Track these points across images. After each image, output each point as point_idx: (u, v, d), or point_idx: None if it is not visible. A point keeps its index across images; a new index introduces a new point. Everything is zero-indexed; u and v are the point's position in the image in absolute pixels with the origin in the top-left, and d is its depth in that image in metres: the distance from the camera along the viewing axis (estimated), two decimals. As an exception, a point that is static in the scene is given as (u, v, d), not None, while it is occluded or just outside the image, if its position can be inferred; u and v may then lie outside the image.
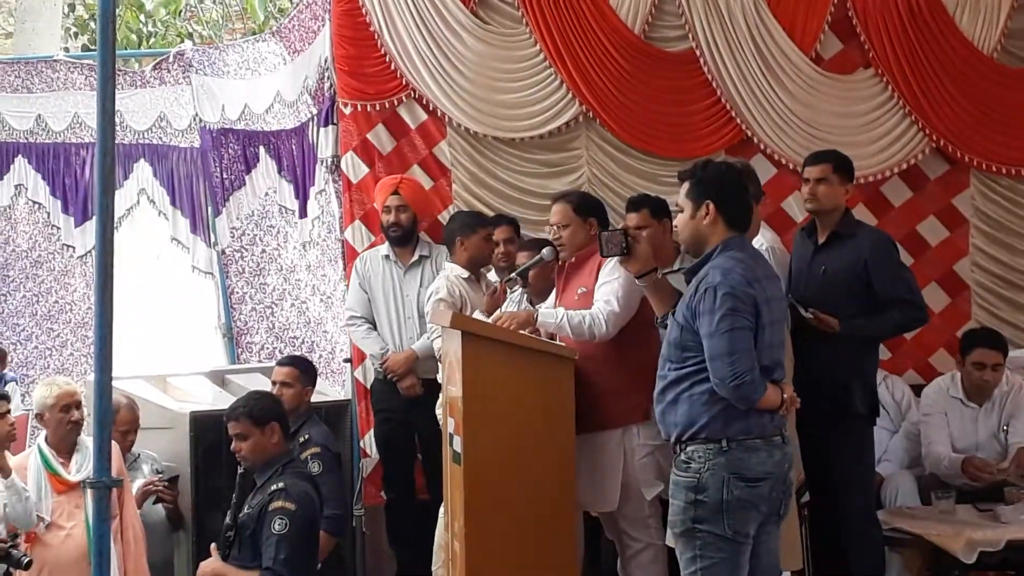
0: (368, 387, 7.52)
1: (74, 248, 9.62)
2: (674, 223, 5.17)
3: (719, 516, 4.85)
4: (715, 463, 4.86)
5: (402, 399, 7.22)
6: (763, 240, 6.24)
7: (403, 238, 7.32)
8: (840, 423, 6.21)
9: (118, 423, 6.72)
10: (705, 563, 4.88)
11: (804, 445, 6.17)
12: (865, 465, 6.35)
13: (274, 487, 5.64)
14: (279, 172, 8.62)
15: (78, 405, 6.39)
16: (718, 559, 4.87)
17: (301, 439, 6.87)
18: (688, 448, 4.93)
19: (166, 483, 7.11)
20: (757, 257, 5.15)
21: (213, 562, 5.69)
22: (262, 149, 8.75)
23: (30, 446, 6.96)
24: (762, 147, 7.79)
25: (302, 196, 8.31)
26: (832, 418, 6.15)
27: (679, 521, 4.93)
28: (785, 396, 4.98)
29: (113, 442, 6.24)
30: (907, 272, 6.50)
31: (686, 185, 5.05)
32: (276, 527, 5.52)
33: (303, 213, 8.31)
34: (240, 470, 5.89)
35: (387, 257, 7.35)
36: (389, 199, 7.28)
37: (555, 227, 6.22)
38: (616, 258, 5.49)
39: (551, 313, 5.93)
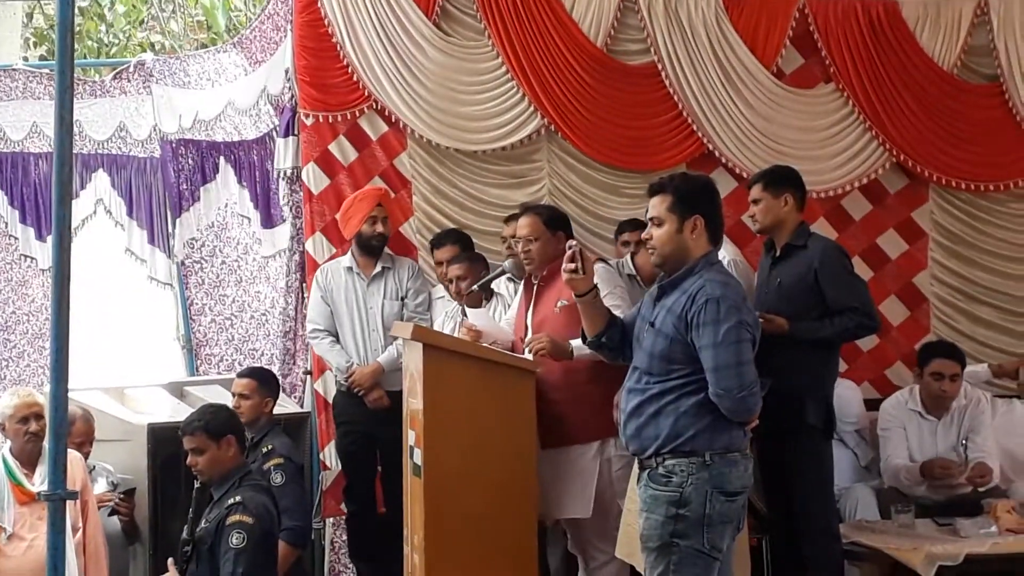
0: (328, 400, 7.48)
1: (35, 260, 9.53)
2: (645, 235, 5.10)
3: (699, 530, 4.84)
4: (698, 477, 4.84)
5: (364, 411, 7.17)
6: (725, 253, 6.25)
7: (381, 248, 7.30)
8: (796, 437, 6.18)
9: (73, 435, 6.66)
10: None
11: (761, 458, 6.19)
12: (823, 479, 6.31)
13: (231, 501, 5.61)
14: (240, 182, 8.57)
15: (38, 416, 6.33)
16: (692, 574, 4.86)
17: (264, 449, 6.84)
18: (668, 462, 4.89)
19: (121, 496, 7.05)
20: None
21: (171, 576, 5.65)
22: (222, 159, 8.71)
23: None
24: (724, 161, 7.81)
25: (264, 206, 8.26)
26: (788, 432, 6.13)
27: (655, 536, 4.89)
28: None
29: (77, 454, 6.26)
30: (858, 280, 6.44)
31: (667, 199, 5.00)
32: (234, 541, 5.48)
33: (267, 223, 8.26)
34: (196, 484, 5.85)
35: (350, 269, 7.31)
36: (376, 210, 7.24)
37: (523, 240, 6.20)
38: (600, 274, 5.44)
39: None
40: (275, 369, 7.77)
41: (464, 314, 6.59)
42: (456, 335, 6.36)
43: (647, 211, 5.10)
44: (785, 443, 6.17)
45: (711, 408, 4.87)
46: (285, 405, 7.63)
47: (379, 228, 7.25)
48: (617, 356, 5.37)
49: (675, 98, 7.78)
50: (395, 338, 7.06)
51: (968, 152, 8.04)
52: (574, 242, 5.23)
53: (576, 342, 5.79)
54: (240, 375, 7.19)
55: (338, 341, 7.28)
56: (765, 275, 6.47)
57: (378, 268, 7.31)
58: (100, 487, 7.03)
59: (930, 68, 8.00)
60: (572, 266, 5.09)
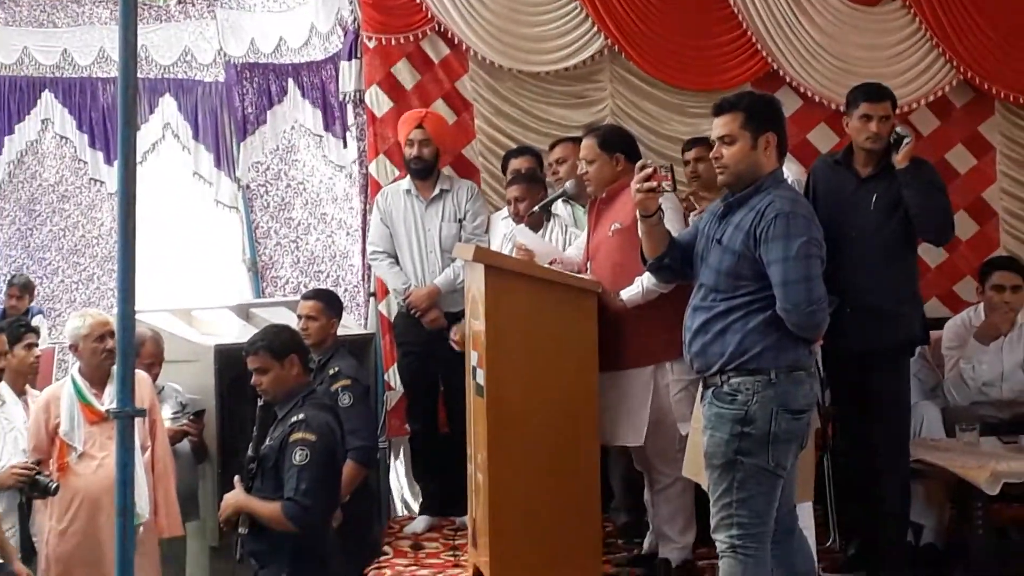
0: (392, 321, 7.54)
1: (103, 183, 9.63)
2: (715, 154, 5.06)
3: (764, 448, 4.84)
4: (764, 395, 4.84)
5: (424, 333, 7.23)
6: (789, 173, 6.18)
7: (424, 171, 7.30)
8: (886, 353, 6.13)
9: (142, 356, 6.77)
10: (743, 495, 4.86)
11: (842, 377, 6.18)
12: (904, 395, 6.27)
13: (294, 419, 5.66)
14: (311, 104, 8.61)
15: (112, 335, 6.38)
16: (756, 492, 4.86)
17: (331, 371, 6.90)
18: (733, 380, 4.89)
19: (192, 417, 7.16)
20: None
21: (236, 494, 5.71)
22: (290, 81, 8.74)
23: (56, 380, 7.00)
24: (788, 80, 7.77)
25: (340, 123, 8.30)
26: (880, 349, 6.10)
27: (720, 453, 4.89)
28: None
29: (144, 374, 6.35)
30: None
31: (739, 116, 4.95)
32: (297, 458, 5.54)
33: (344, 141, 8.30)
34: (260, 403, 5.92)
35: (408, 191, 7.33)
36: (413, 132, 7.26)
37: (582, 161, 6.18)
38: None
39: (634, 289, 5.85)
40: (340, 291, 7.83)
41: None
42: (511, 253, 6.36)
43: (714, 130, 5.05)
44: (874, 359, 6.10)
45: (778, 325, 4.85)
46: (349, 326, 7.70)
47: (415, 151, 7.25)
48: (677, 277, 5.36)
49: (739, 17, 7.73)
50: (453, 260, 7.11)
51: (1034, 67, 7.94)
52: (650, 161, 5.21)
53: (625, 292, 5.81)
54: (305, 297, 7.23)
55: (397, 263, 7.33)
56: (849, 193, 6.33)
57: (436, 190, 7.32)
58: (168, 408, 7.14)
59: (997, -19, 7.89)
60: (650, 185, 5.07)
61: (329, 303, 7.14)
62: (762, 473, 4.86)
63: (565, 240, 6.79)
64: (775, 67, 7.75)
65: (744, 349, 4.87)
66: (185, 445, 7.16)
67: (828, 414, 6.36)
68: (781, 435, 4.85)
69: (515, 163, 7.29)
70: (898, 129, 6.09)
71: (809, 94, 7.74)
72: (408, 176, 7.36)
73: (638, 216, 5.22)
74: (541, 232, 6.85)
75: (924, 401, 7.01)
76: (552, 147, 7.21)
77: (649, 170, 5.08)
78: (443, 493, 7.30)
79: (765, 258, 4.84)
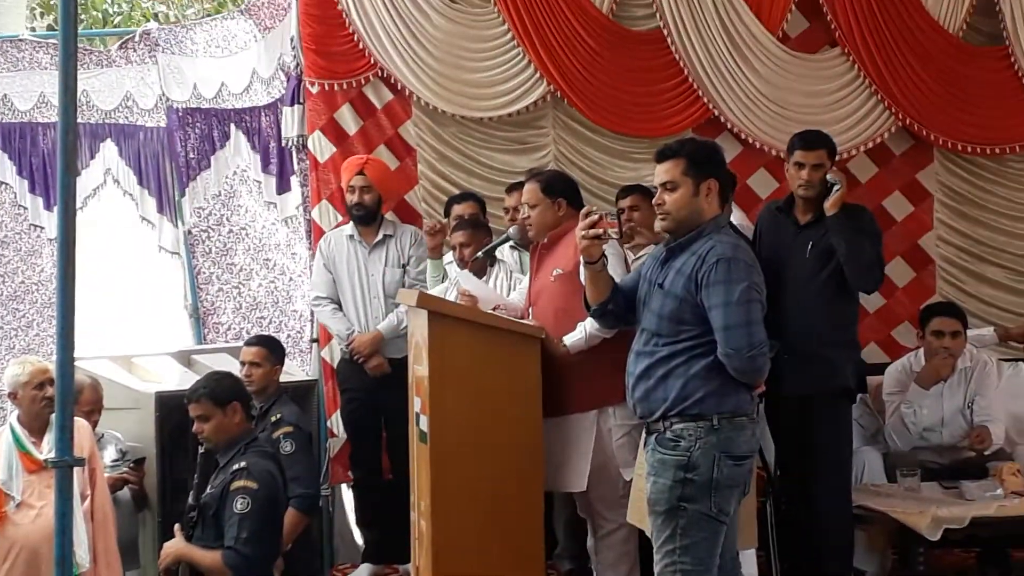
0: (335, 367, 7.51)
1: (43, 229, 9.54)
2: (657, 200, 5.07)
3: (707, 495, 4.84)
4: (706, 441, 4.84)
5: (368, 379, 7.22)
6: (732, 218, 6.23)
7: (366, 218, 7.29)
8: (824, 401, 6.18)
9: (81, 403, 6.68)
10: (686, 541, 4.86)
11: (778, 424, 6.20)
12: (844, 443, 6.32)
13: (236, 467, 5.63)
14: (253, 149, 8.58)
15: (51, 382, 6.33)
16: (699, 538, 4.86)
17: (273, 418, 6.85)
18: (676, 426, 4.89)
19: (131, 465, 7.08)
20: None
21: (177, 542, 5.67)
22: (233, 127, 8.72)
23: (-1, 426, 6.91)
24: (729, 126, 7.82)
25: (279, 172, 8.28)
26: (815, 396, 6.13)
27: (663, 500, 4.89)
28: None
29: (84, 422, 6.27)
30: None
31: (680, 163, 4.98)
32: (238, 506, 5.50)
33: (282, 188, 8.28)
34: (202, 450, 5.87)
35: (351, 237, 7.33)
36: (354, 179, 7.26)
37: (524, 206, 6.19)
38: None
39: (577, 335, 5.86)
40: (282, 337, 7.79)
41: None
42: (455, 300, 6.36)
43: (656, 176, 5.07)
44: (810, 408, 6.16)
45: (720, 371, 4.87)
46: (291, 372, 7.66)
47: (356, 197, 7.25)
48: (621, 322, 5.38)
49: (681, 64, 7.77)
50: (396, 305, 7.10)
51: (973, 115, 8.02)
52: (596, 208, 5.22)
53: (568, 338, 5.82)
54: (249, 343, 7.19)
55: (340, 308, 7.31)
56: (789, 239, 6.37)
57: (379, 236, 7.32)
58: (109, 455, 7.06)
59: (935, 31, 7.96)
60: (595, 231, 5.08)
61: (272, 349, 7.10)
62: (705, 519, 4.86)
63: (510, 286, 6.80)
64: (716, 113, 7.80)
65: (686, 395, 4.88)
66: (125, 493, 7.07)
67: None
68: (724, 481, 4.86)
69: (458, 208, 7.30)
70: (828, 177, 6.15)
71: (750, 140, 7.80)
72: (351, 222, 7.35)
73: (582, 262, 5.23)
74: (485, 278, 6.85)
75: (865, 447, 7.06)
76: (510, 191, 7.20)
77: (595, 217, 5.09)
78: (386, 541, 7.26)
79: (706, 303, 4.86)
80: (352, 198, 7.26)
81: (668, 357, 4.95)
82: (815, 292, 6.15)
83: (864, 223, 6.19)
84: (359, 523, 7.51)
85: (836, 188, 6.09)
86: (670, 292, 4.95)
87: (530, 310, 6.13)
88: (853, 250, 6.05)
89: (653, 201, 5.14)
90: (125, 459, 7.13)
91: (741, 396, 4.93)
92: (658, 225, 5.16)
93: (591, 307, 5.34)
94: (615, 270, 5.54)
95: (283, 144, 7.95)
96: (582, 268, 5.32)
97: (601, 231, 5.08)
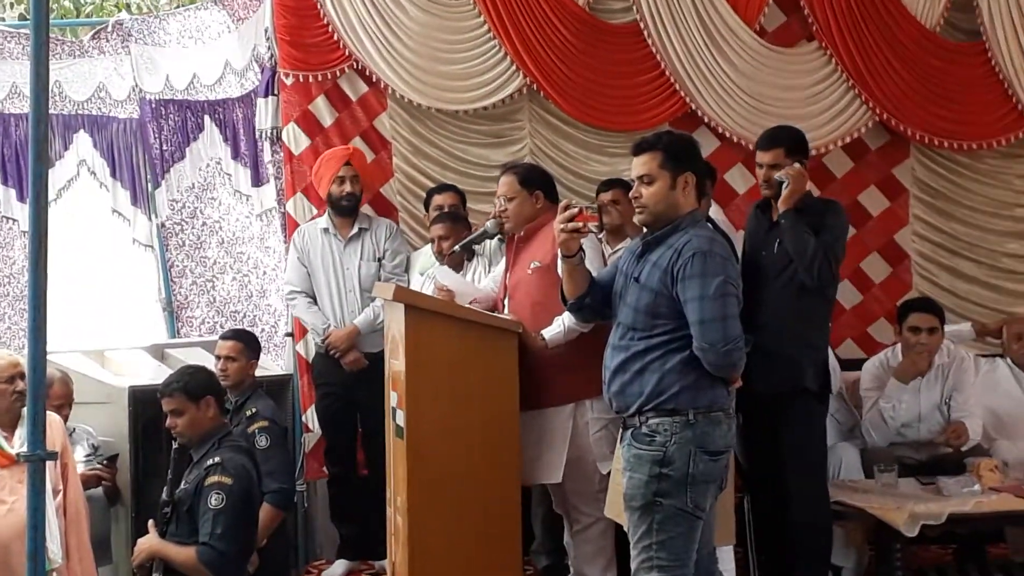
0: (310, 361, 7.47)
1: (16, 221, 9.46)
2: (634, 194, 5.05)
3: (682, 490, 4.83)
4: (681, 436, 4.83)
5: (343, 373, 7.18)
6: (710, 213, 6.22)
7: (353, 208, 7.27)
8: (791, 400, 6.15)
9: (51, 397, 6.61)
10: (662, 537, 4.85)
11: (752, 421, 6.19)
12: (815, 443, 6.28)
13: (210, 462, 5.59)
14: (224, 141, 8.53)
15: (22, 376, 6.25)
16: (675, 533, 4.85)
17: (248, 412, 6.82)
18: (651, 421, 4.88)
19: (103, 462, 7.03)
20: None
21: (150, 539, 5.63)
22: (207, 118, 8.67)
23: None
24: (706, 120, 7.80)
25: (253, 164, 8.23)
26: (783, 395, 6.12)
27: (639, 495, 4.88)
28: None
29: (56, 416, 6.21)
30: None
31: (657, 156, 4.97)
32: (212, 502, 5.46)
33: (256, 181, 8.23)
34: (175, 445, 5.83)
35: (326, 230, 7.28)
36: (343, 169, 7.22)
37: (501, 199, 6.17)
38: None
39: (555, 328, 5.85)
40: (257, 331, 7.75)
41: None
42: (432, 294, 6.33)
43: (633, 169, 5.06)
44: (781, 407, 6.14)
45: (696, 366, 4.85)
46: (266, 367, 7.62)
47: (347, 188, 7.23)
48: (598, 316, 5.37)
49: (657, 57, 7.75)
50: (372, 299, 7.06)
51: (950, 110, 8.03)
52: (575, 200, 5.20)
53: (547, 332, 5.81)
54: (224, 337, 7.15)
55: (315, 303, 7.26)
56: (762, 236, 6.37)
57: (355, 229, 7.28)
58: (81, 451, 7.00)
59: (913, 26, 7.97)
60: (575, 225, 5.06)
61: (248, 343, 7.07)
62: (681, 515, 4.86)
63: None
64: (693, 107, 7.78)
65: (662, 389, 4.87)
66: (97, 489, 7.02)
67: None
68: (699, 476, 4.86)
69: (438, 199, 7.27)
70: (777, 176, 6.13)
71: (727, 135, 7.78)
72: (325, 214, 7.31)
73: (560, 256, 5.21)
74: (463, 272, 6.83)
75: (842, 442, 7.05)
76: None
77: (575, 210, 5.08)
78: (361, 536, 7.23)
79: (682, 296, 4.85)
80: (344, 188, 7.22)
81: (644, 351, 4.94)
82: (779, 289, 6.13)
83: (827, 217, 6.15)
84: (334, 519, 7.47)
85: (784, 186, 6.08)
86: (646, 286, 4.94)
87: (505, 302, 6.12)
88: (795, 244, 6.03)
89: (630, 194, 5.13)
90: (98, 453, 7.08)
91: (717, 391, 4.92)
92: (635, 218, 5.14)
93: (568, 301, 5.32)
94: (592, 264, 5.52)
95: (257, 136, 7.89)
96: (559, 261, 5.30)
97: (580, 224, 5.06)
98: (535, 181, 6.16)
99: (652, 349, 4.92)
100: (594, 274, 5.34)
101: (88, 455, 7.06)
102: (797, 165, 6.11)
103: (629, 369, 4.96)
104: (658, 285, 4.90)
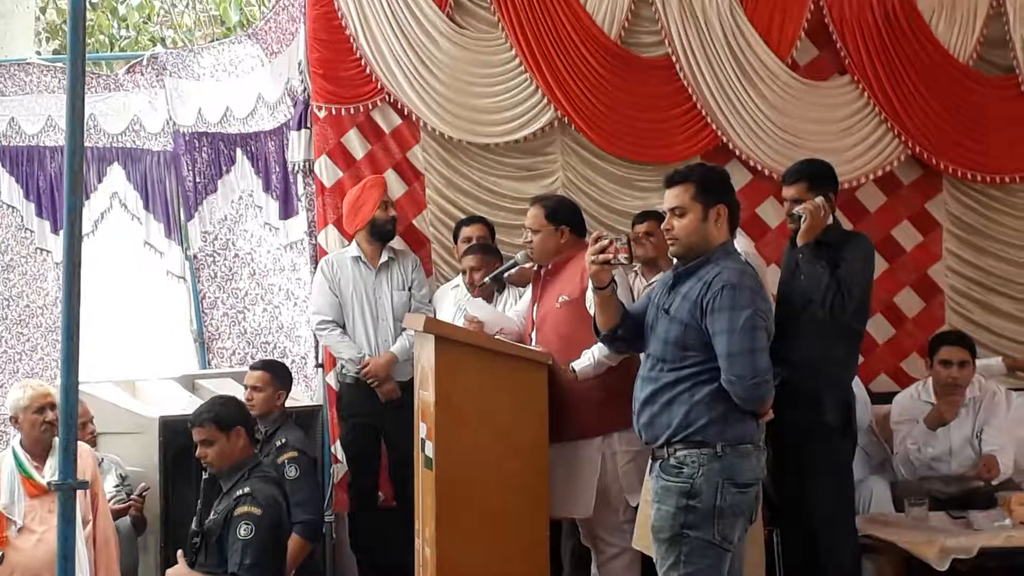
0: (338, 391, 7.46)
1: (50, 252, 9.53)
2: (666, 226, 5.05)
3: (710, 522, 4.82)
4: (709, 468, 4.83)
5: (372, 404, 7.14)
6: (739, 246, 6.19)
7: (393, 233, 7.33)
8: (813, 435, 6.11)
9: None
10: (689, 569, 4.84)
11: (780, 454, 6.16)
12: (840, 478, 6.22)
13: (240, 492, 5.60)
14: (256, 174, 8.57)
15: (52, 406, 6.32)
16: (703, 566, 4.84)
17: (278, 443, 6.84)
18: (679, 453, 4.88)
19: (137, 496, 7.04)
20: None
21: (180, 569, 5.64)
22: (239, 151, 8.71)
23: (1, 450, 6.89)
24: (738, 153, 7.78)
25: (283, 197, 8.25)
26: (806, 430, 6.08)
27: (667, 526, 4.88)
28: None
29: (87, 446, 6.26)
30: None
31: (690, 188, 4.98)
32: (242, 532, 5.48)
33: (285, 214, 8.25)
34: (205, 475, 5.84)
35: (357, 259, 7.28)
36: (385, 195, 7.28)
37: (528, 231, 6.18)
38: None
39: (585, 361, 5.84)
40: (287, 363, 7.76)
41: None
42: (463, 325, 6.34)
43: (665, 201, 5.06)
44: (803, 441, 6.10)
45: (725, 398, 4.85)
46: (296, 398, 7.62)
47: (392, 212, 7.30)
48: (631, 348, 5.37)
49: (689, 90, 7.74)
50: (404, 328, 7.06)
51: (983, 143, 7.99)
52: (606, 233, 5.20)
53: (577, 364, 5.80)
54: (253, 367, 7.18)
55: (346, 332, 7.27)
56: (791, 270, 6.35)
57: (384, 258, 7.29)
58: (110, 481, 7.03)
59: (945, 59, 7.95)
60: (605, 256, 5.06)
61: (276, 374, 7.08)
62: (708, 547, 4.84)
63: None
64: (724, 140, 7.77)
65: (690, 421, 4.87)
66: (125, 518, 7.04)
67: None
68: (727, 509, 4.84)
69: (467, 231, 7.27)
70: (796, 210, 6.12)
71: (759, 168, 7.77)
72: (353, 243, 7.32)
73: (591, 287, 5.21)
74: (493, 302, 6.83)
75: (873, 476, 7.03)
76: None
77: (605, 242, 5.08)
78: (384, 567, 7.19)
79: (711, 329, 4.85)
80: (389, 212, 7.28)
81: (673, 383, 4.93)
82: (803, 323, 6.10)
83: (846, 250, 6.12)
84: (354, 548, 7.43)
85: (802, 220, 6.06)
86: (675, 318, 4.94)
87: (533, 335, 6.11)
88: (809, 278, 6.01)
89: (662, 226, 5.13)
90: (126, 483, 7.10)
91: (746, 423, 4.91)
92: (669, 251, 5.15)
93: (601, 333, 5.32)
94: (620, 296, 5.52)
95: (289, 168, 7.92)
96: (590, 293, 5.30)
97: (611, 256, 5.06)
98: (562, 216, 6.15)
99: (681, 381, 4.91)
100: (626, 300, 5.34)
101: (116, 485, 7.08)
102: (820, 199, 6.09)
103: (658, 401, 4.96)
104: (687, 317, 4.90)
